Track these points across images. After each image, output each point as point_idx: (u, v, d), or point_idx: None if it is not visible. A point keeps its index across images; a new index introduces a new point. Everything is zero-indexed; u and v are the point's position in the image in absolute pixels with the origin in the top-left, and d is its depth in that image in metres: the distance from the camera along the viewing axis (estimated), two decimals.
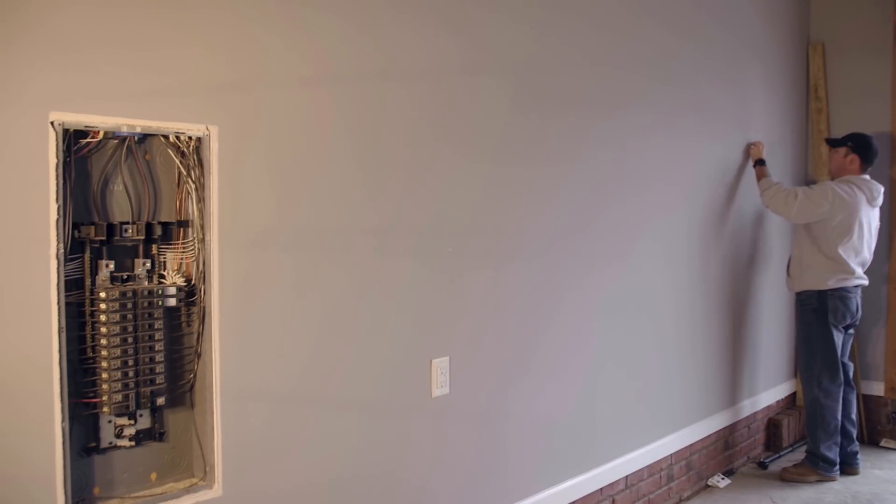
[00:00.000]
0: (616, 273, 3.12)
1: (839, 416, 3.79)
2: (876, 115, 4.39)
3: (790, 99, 4.42)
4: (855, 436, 3.92)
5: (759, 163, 3.92)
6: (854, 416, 3.92)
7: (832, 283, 3.71)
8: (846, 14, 4.52)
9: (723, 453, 3.90)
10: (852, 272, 3.71)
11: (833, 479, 3.80)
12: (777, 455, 4.16)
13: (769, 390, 4.32)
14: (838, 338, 3.76)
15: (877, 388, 4.40)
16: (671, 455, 3.48)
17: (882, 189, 3.80)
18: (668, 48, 3.36)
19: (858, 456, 3.92)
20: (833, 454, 3.79)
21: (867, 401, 4.42)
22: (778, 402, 4.43)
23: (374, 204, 2.22)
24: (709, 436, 3.76)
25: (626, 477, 3.22)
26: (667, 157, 3.36)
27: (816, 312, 3.75)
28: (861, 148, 3.79)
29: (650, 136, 3.26)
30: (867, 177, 3.80)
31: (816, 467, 3.80)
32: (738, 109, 3.91)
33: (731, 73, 3.84)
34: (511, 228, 2.65)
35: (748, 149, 3.98)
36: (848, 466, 3.87)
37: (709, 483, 3.77)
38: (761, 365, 4.22)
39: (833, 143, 3.92)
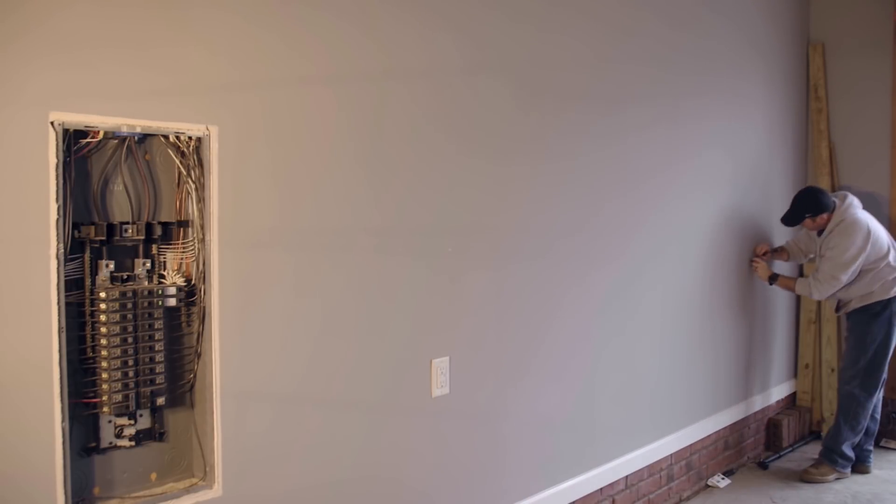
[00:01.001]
0: (616, 273, 3.11)
1: (868, 418, 3.85)
2: (876, 114, 4.39)
3: (790, 98, 4.42)
4: (874, 432, 3.97)
5: (773, 279, 3.97)
6: (878, 416, 3.96)
7: (894, 293, 3.76)
8: (846, 14, 4.52)
9: (723, 453, 3.90)
10: None
11: (846, 476, 3.87)
12: (777, 455, 4.16)
13: (769, 390, 4.32)
14: (894, 340, 3.80)
15: None
16: (671, 455, 3.48)
17: (848, 192, 3.84)
18: (668, 47, 3.36)
19: (872, 455, 3.96)
20: (852, 452, 3.87)
21: None
22: (778, 402, 4.43)
23: (375, 204, 2.22)
24: (709, 436, 3.76)
25: (626, 477, 3.22)
26: (668, 154, 3.36)
27: (878, 316, 3.78)
28: (819, 208, 3.77)
29: (651, 131, 3.26)
30: (839, 203, 3.79)
31: (835, 464, 3.85)
32: (739, 108, 3.91)
33: (731, 73, 3.84)
34: (511, 227, 2.65)
35: (754, 272, 4.03)
36: (860, 464, 3.92)
37: (709, 483, 3.77)
38: (762, 365, 4.22)
39: (792, 223, 3.87)
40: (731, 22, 3.83)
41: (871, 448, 3.96)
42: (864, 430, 3.85)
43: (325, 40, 2.08)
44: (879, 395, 3.92)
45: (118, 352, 1.76)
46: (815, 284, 3.79)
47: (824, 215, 3.81)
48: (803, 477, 3.89)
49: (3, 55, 1.54)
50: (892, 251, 3.78)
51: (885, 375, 3.82)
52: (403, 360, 2.33)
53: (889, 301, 3.77)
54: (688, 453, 3.61)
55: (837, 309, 3.97)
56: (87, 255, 1.74)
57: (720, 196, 3.78)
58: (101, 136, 1.72)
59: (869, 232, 3.73)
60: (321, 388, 2.11)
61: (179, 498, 1.84)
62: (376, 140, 2.22)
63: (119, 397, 1.76)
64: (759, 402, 4.20)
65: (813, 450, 4.20)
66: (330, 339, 2.13)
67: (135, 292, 1.79)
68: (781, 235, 4.34)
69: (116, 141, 1.77)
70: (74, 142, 1.68)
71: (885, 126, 4.36)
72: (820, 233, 3.87)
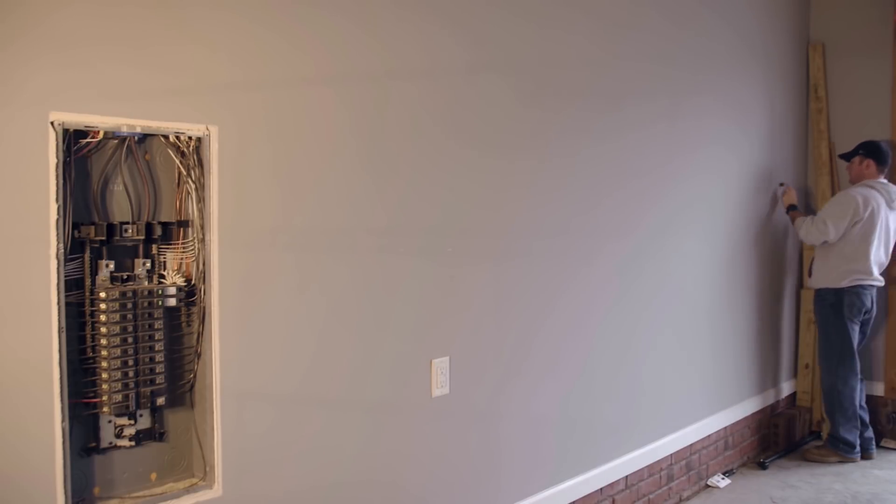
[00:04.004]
0: (616, 271, 3.11)
1: (856, 402, 4.01)
2: (876, 115, 4.39)
3: (790, 99, 4.42)
4: (868, 421, 4.10)
5: (792, 208, 4.18)
6: (864, 404, 4.10)
7: (846, 283, 3.94)
8: (846, 14, 4.52)
9: (723, 453, 3.90)
10: (870, 273, 3.95)
11: (854, 461, 4.03)
12: (777, 455, 4.16)
13: (770, 390, 4.32)
14: (854, 330, 3.97)
15: (877, 388, 4.41)
16: (671, 455, 3.48)
17: None
18: (669, 44, 3.36)
19: (873, 442, 4.09)
20: (852, 437, 4.01)
21: (868, 400, 4.42)
22: (778, 402, 4.43)
23: (376, 203, 2.21)
24: (709, 436, 3.76)
25: (626, 477, 3.22)
26: (670, 152, 3.36)
27: (833, 307, 3.98)
28: (873, 152, 4.02)
29: (652, 128, 3.26)
30: (885, 180, 4.01)
31: (837, 449, 4.03)
32: (738, 107, 3.91)
33: (730, 71, 3.84)
34: (512, 226, 2.65)
35: (776, 193, 4.22)
36: (864, 451, 4.06)
37: (709, 483, 3.77)
38: (762, 365, 4.22)
39: (846, 157, 4.14)
40: (730, 21, 3.83)
41: (871, 435, 4.10)
42: (856, 415, 4.00)
43: (325, 38, 2.08)
44: (861, 385, 4.06)
45: (118, 352, 1.76)
46: (808, 224, 4.01)
47: (871, 163, 4.00)
48: (805, 455, 4.11)
49: (2, 55, 1.54)
50: (873, 253, 3.91)
51: (857, 361, 3.98)
52: (404, 361, 2.33)
53: (839, 291, 3.95)
54: (688, 453, 3.61)
55: (809, 272, 4.20)
56: (87, 255, 1.74)
57: (719, 197, 3.78)
58: (101, 136, 1.71)
59: (870, 210, 3.88)
60: (321, 389, 2.11)
61: (179, 498, 1.84)
62: (378, 139, 2.21)
63: (119, 397, 1.76)
64: (758, 402, 4.20)
65: None
66: (330, 339, 2.12)
67: (135, 292, 1.79)
68: (785, 234, 4.34)
69: (116, 141, 1.77)
70: (74, 142, 1.68)
71: (886, 126, 4.36)
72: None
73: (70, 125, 1.63)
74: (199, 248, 1.87)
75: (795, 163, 4.51)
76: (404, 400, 2.33)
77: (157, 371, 1.82)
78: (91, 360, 1.75)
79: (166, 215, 1.87)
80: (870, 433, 4.10)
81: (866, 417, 4.10)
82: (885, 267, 4.03)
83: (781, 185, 4.24)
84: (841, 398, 4.00)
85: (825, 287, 4.01)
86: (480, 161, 2.52)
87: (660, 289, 3.36)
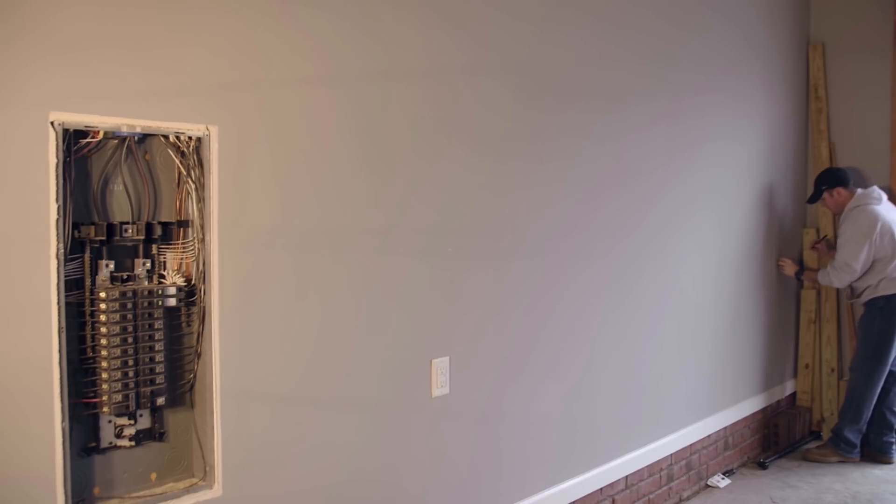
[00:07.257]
0: (616, 271, 3.11)
1: (872, 407, 4.00)
2: (876, 115, 4.39)
3: (790, 99, 4.42)
4: (894, 427, 4.08)
5: (799, 273, 4.25)
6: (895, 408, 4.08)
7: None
8: (846, 14, 4.52)
9: (723, 453, 3.90)
10: None
11: (854, 461, 4.02)
12: (777, 455, 4.16)
13: (769, 390, 4.32)
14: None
15: None
16: (671, 455, 3.48)
17: (876, 187, 4.03)
18: (669, 45, 3.36)
19: (894, 447, 4.07)
20: (854, 438, 4.01)
21: None
22: (778, 402, 4.43)
23: (375, 203, 2.22)
24: (709, 436, 3.76)
25: (626, 477, 3.22)
26: (669, 154, 3.36)
27: (882, 311, 3.97)
28: (833, 181, 4.08)
29: (652, 129, 3.26)
30: (860, 190, 4.03)
31: (838, 448, 4.04)
32: (739, 107, 3.91)
33: (731, 72, 3.83)
34: (511, 226, 2.65)
35: (782, 270, 4.26)
36: (883, 455, 4.05)
37: (709, 483, 3.77)
38: (761, 365, 4.22)
39: (814, 199, 4.20)
40: (730, 21, 3.83)
41: (893, 440, 4.06)
42: (867, 419, 4.00)
43: (325, 40, 2.08)
44: None
45: (118, 352, 1.76)
46: (833, 273, 4.01)
47: (841, 190, 4.04)
48: (806, 455, 4.11)
49: (2, 56, 1.54)
50: None
51: (886, 370, 3.96)
52: (404, 361, 2.33)
53: (890, 296, 3.92)
54: (688, 453, 3.61)
55: (850, 297, 4.17)
56: (87, 255, 1.74)
57: (726, 195, 3.78)
58: (101, 136, 1.71)
59: (878, 222, 3.89)
60: (321, 389, 2.11)
61: (179, 498, 1.84)
62: (376, 139, 2.22)
63: (119, 397, 1.76)
64: (758, 402, 4.20)
65: None
66: (330, 339, 2.13)
67: (135, 292, 1.79)
68: (787, 234, 4.34)
69: (116, 141, 1.77)
70: (74, 142, 1.68)
71: (885, 126, 4.36)
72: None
73: (70, 125, 1.63)
74: (199, 248, 1.87)
75: (796, 162, 4.51)
76: (404, 400, 2.33)
77: (157, 371, 1.82)
78: (91, 360, 1.75)
79: (166, 215, 1.87)
80: (892, 438, 4.06)
81: (894, 422, 4.06)
82: None
83: (779, 261, 4.28)
84: (860, 400, 3.98)
85: (876, 296, 3.98)
86: (479, 162, 2.52)
87: (661, 289, 3.36)
